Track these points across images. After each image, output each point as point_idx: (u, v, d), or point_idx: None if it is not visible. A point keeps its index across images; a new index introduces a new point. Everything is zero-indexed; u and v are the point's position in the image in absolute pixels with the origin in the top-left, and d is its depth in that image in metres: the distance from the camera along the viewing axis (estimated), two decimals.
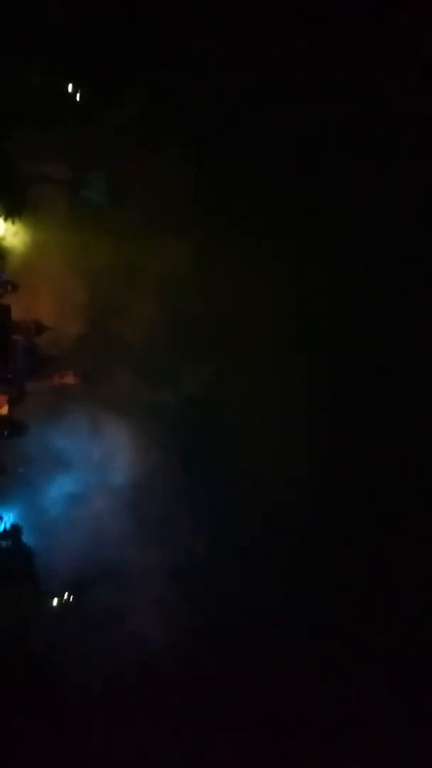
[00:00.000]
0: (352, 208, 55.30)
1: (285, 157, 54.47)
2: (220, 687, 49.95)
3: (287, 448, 57.23)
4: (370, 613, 54.71)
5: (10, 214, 55.84)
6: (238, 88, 54.37)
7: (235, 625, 52.69)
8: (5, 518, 53.45)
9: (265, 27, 52.35)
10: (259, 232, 55.04)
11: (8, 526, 53.22)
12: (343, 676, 52.05)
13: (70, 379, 57.78)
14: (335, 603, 54.30)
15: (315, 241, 54.63)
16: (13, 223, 56.13)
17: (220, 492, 57.56)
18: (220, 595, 53.82)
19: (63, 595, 51.62)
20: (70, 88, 56.90)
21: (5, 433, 55.44)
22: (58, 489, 56.23)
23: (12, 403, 56.33)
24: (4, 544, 52.28)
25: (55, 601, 51.36)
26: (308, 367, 56.89)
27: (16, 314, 56.19)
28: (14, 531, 52.97)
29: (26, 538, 53.11)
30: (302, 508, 56.93)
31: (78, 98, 57.27)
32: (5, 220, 55.75)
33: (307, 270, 54.40)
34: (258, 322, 56.52)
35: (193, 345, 57.48)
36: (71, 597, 51.51)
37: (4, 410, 55.92)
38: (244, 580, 54.99)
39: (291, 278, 54.79)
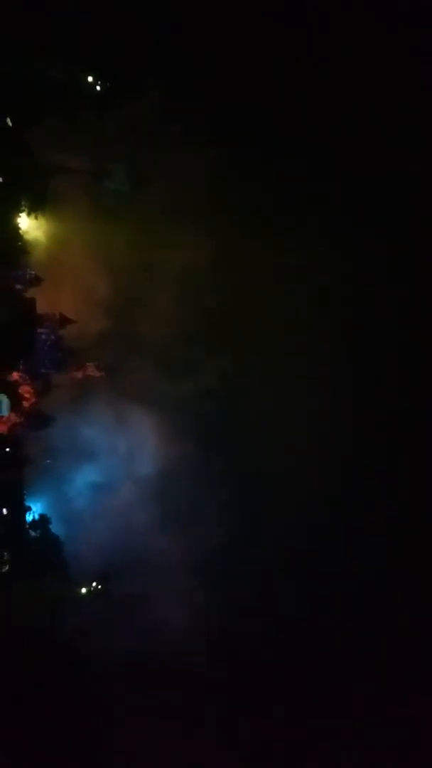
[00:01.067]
0: (376, 198, 54.65)
1: (311, 148, 53.71)
2: (242, 677, 51.39)
3: (308, 439, 57.77)
4: (400, 602, 55.31)
5: (34, 209, 56.16)
6: (263, 78, 53.49)
7: (259, 615, 53.79)
8: (34, 508, 54.95)
9: (289, 14, 51.18)
10: (281, 225, 54.69)
11: (37, 516, 54.71)
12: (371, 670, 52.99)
13: (93, 371, 58.85)
14: (362, 593, 55.13)
15: (337, 234, 54.20)
16: (36, 217, 56.48)
17: (242, 481, 58.34)
18: (244, 585, 54.98)
19: (90, 584, 53.22)
20: (90, 79, 56.67)
21: (32, 425, 56.76)
22: (84, 479, 57.57)
23: (38, 396, 57.60)
24: (33, 533, 53.82)
25: (82, 590, 53.00)
26: (328, 359, 57.03)
27: (41, 307, 57.11)
28: (43, 521, 54.49)
29: (54, 527, 54.62)
30: (325, 497, 57.55)
31: (98, 89, 57.06)
32: (29, 214, 56.07)
33: (329, 263, 54.09)
34: (278, 314, 56.56)
35: (215, 337, 57.81)
36: (98, 585, 53.08)
37: (31, 402, 57.18)
38: (267, 571, 55.99)
39: (312, 271, 54.51)
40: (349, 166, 53.71)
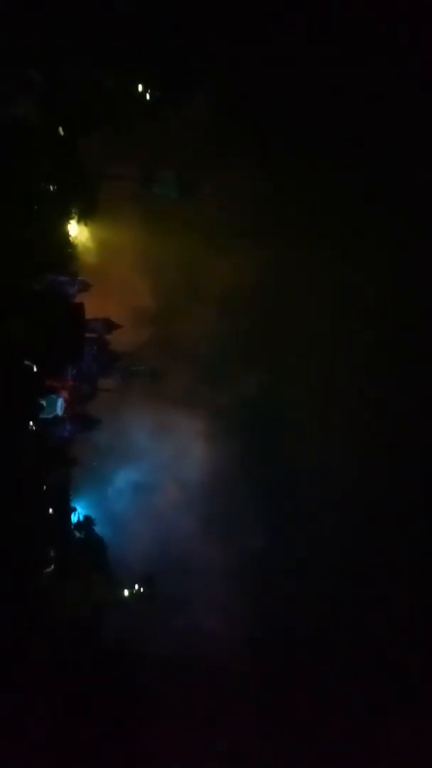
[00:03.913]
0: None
1: (368, 161, 53.16)
2: (285, 682, 51.68)
3: (348, 445, 57.72)
4: None
5: (83, 216, 57.15)
6: (312, 85, 53.24)
7: (302, 620, 53.93)
8: (79, 510, 56.09)
9: (342, 24, 50.65)
10: (330, 239, 54.51)
11: (82, 517, 55.83)
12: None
13: (138, 376, 59.85)
14: (404, 601, 54.78)
15: (386, 251, 53.83)
16: (86, 224, 57.51)
17: (283, 486, 58.62)
18: (285, 590, 55.24)
19: (133, 586, 54.06)
20: (140, 88, 57.26)
21: (79, 427, 57.94)
22: (129, 482, 58.67)
23: (85, 399, 58.76)
24: (77, 535, 54.90)
25: (125, 592, 53.88)
26: (369, 368, 56.94)
27: (88, 312, 58.06)
28: (87, 522, 55.56)
29: (98, 529, 55.64)
30: (365, 502, 57.52)
31: (148, 98, 57.61)
32: (78, 221, 57.10)
33: (377, 280, 53.83)
34: (323, 325, 56.65)
35: (258, 345, 58.19)
36: (141, 588, 53.90)
37: (78, 405, 58.32)
38: (309, 575, 56.14)
39: (360, 287, 54.39)
40: (411, 182, 52.85)
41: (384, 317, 56.34)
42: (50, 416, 55.59)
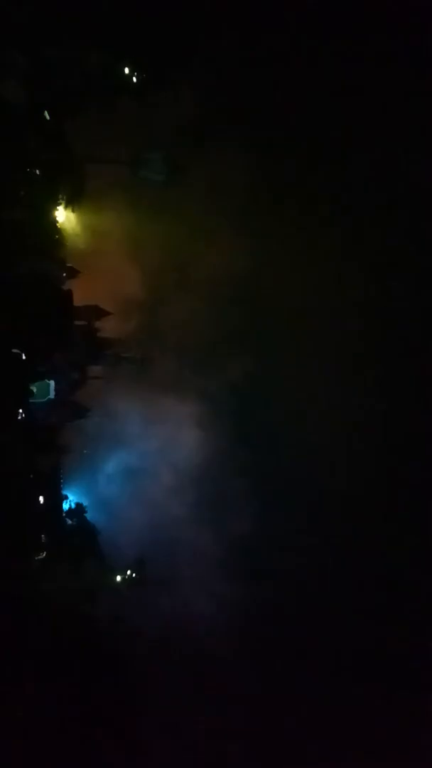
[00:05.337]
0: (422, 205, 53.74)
1: (359, 145, 52.75)
2: (272, 666, 52.52)
3: (335, 431, 58.11)
4: None
5: (71, 201, 56.56)
6: (305, 71, 52.68)
7: (292, 605, 54.59)
8: (70, 497, 56.27)
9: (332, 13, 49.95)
10: (317, 222, 54.33)
11: (73, 504, 56.02)
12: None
13: (127, 363, 59.66)
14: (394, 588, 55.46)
15: (374, 239, 53.74)
16: (73, 209, 56.92)
17: (272, 471, 59.01)
18: (275, 573, 55.87)
19: (125, 572, 54.50)
20: (127, 70, 56.48)
21: (69, 414, 57.83)
22: (119, 468, 58.80)
23: (74, 386, 58.56)
24: (69, 522, 55.15)
25: (117, 577, 54.33)
26: (356, 354, 57.20)
27: (77, 299, 57.67)
28: (79, 509, 55.78)
29: (90, 515, 55.90)
30: (353, 489, 58.04)
31: (135, 81, 56.86)
32: (66, 207, 56.49)
33: (362, 267, 53.82)
34: (310, 313, 56.71)
35: (246, 331, 58.14)
36: (133, 573, 54.37)
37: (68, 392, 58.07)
38: (298, 559, 56.73)
39: (349, 273, 54.31)
40: (400, 165, 52.64)
41: (372, 302, 56.44)
42: (44, 400, 55.42)
